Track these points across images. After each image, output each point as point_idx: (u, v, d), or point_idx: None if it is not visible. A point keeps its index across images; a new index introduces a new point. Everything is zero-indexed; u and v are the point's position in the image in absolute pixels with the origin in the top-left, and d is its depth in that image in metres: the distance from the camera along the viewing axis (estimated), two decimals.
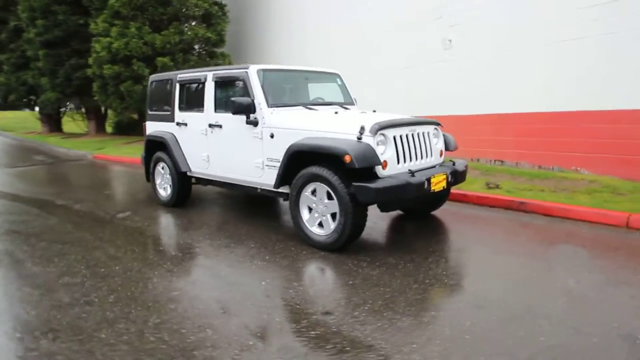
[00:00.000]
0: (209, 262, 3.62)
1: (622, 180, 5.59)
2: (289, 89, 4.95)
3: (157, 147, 5.83)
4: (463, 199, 5.39)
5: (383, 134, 3.73)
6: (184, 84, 5.39)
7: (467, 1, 7.64)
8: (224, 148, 4.84)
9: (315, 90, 5.32)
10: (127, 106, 13.06)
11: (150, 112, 6.05)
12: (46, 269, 3.48)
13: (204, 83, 5.05)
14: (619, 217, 4.21)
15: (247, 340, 2.34)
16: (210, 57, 13.52)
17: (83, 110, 17.80)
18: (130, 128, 18.68)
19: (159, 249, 4.05)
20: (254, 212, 5.48)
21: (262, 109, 4.35)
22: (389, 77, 9.13)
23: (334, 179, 3.63)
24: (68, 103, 17.17)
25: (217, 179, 5.11)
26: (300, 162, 3.99)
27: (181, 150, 5.44)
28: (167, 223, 4.98)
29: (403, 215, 4.94)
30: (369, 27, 9.66)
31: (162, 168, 5.78)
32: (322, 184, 3.77)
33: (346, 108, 5.01)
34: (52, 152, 13.29)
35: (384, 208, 3.81)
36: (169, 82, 5.64)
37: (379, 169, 3.66)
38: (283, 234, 4.37)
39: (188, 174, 5.47)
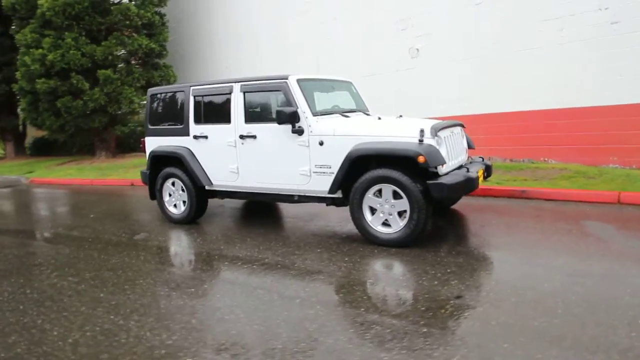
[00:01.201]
0: (293, 271, 3.62)
1: (585, 166, 6.63)
2: (318, 97, 5.09)
3: (167, 163, 5.57)
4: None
5: (438, 136, 4.09)
6: (200, 96, 5.24)
7: (430, 15, 8.41)
8: (259, 159, 4.82)
9: (330, 98, 5.51)
10: (63, 123, 11.87)
11: (151, 127, 5.74)
12: (129, 296, 3.23)
13: (229, 94, 4.99)
14: (610, 195, 5.06)
15: (420, 328, 2.50)
16: (154, 69, 12.89)
17: None
18: (51, 148, 16.93)
19: (227, 264, 3.91)
20: (276, 219, 5.50)
21: (308, 117, 4.46)
22: (356, 84, 9.57)
23: (405, 179, 3.88)
24: None
25: (247, 191, 5.05)
26: (356, 167, 4.19)
27: (199, 164, 5.28)
28: (202, 240, 4.78)
29: None
30: (333, 36, 10.04)
31: (173, 184, 5.53)
32: (388, 185, 4.00)
33: (368, 114, 5.30)
34: None
35: (445, 203, 4.17)
36: (180, 94, 5.44)
37: (439, 168, 4.01)
38: (337, 237, 4.51)
39: (207, 188, 5.33)
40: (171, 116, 5.60)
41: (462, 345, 2.30)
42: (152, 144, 5.73)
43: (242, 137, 4.88)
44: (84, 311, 3.01)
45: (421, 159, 3.78)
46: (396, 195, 4.00)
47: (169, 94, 5.63)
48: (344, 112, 4.89)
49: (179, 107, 5.48)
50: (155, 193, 5.71)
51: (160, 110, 5.73)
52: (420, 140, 3.94)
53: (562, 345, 2.25)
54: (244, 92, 4.88)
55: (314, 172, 4.50)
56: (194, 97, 5.29)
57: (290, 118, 4.43)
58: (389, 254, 3.88)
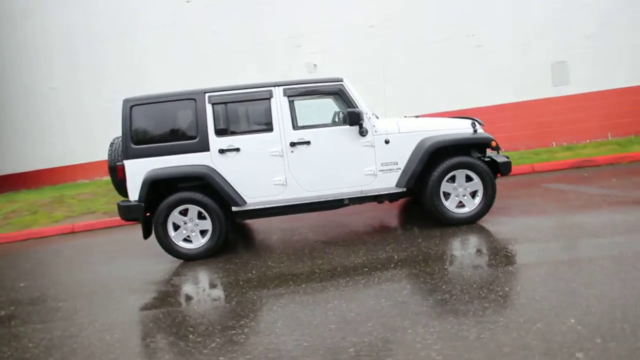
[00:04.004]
0: (457, 252, 3.78)
1: None
2: None
3: (171, 188, 4.51)
4: None
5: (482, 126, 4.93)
6: (222, 104, 4.52)
7: (325, 33, 9.21)
8: (315, 165, 4.56)
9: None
10: None
11: (135, 147, 4.51)
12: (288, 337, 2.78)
13: (267, 99, 4.52)
14: (526, 168, 7.01)
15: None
16: None
17: None
18: None
19: (378, 269, 3.65)
20: (298, 229, 5.23)
21: (370, 118, 4.58)
22: None
23: (479, 162, 4.54)
24: None
25: (295, 203, 4.65)
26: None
27: (227, 181, 4.52)
28: (288, 262, 4.15)
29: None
30: (214, 53, 9.60)
31: (183, 213, 4.52)
32: (463, 170, 4.56)
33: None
34: None
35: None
36: (187, 103, 4.52)
37: (487, 151, 4.84)
38: (406, 226, 4.82)
39: (234, 209, 4.62)
40: (174, 130, 4.60)
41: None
42: (141, 167, 4.50)
43: (292, 144, 4.51)
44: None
45: (494, 144, 4.55)
46: (468, 178, 4.61)
47: (165, 104, 4.58)
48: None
49: (187, 118, 4.55)
50: (156, 228, 4.51)
51: (150, 125, 4.58)
52: (475, 130, 4.70)
53: None
54: (289, 97, 4.55)
55: (380, 171, 4.63)
56: (213, 105, 4.52)
57: (357, 119, 4.45)
58: (473, 228, 4.46)
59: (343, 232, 5.05)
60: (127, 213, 4.58)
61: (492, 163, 4.67)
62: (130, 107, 4.56)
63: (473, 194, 4.64)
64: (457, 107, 8.83)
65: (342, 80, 4.60)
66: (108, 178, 11.52)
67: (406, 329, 2.56)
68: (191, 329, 2.95)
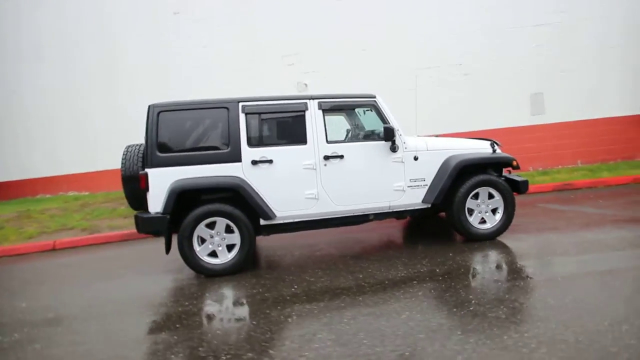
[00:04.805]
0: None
1: None
2: None
3: (198, 200, 4.30)
4: None
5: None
6: (256, 114, 4.42)
7: (317, 54, 9.34)
8: (348, 179, 4.55)
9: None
10: None
11: (161, 155, 4.27)
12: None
13: (302, 112, 4.49)
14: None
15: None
16: None
17: None
18: None
19: (427, 282, 3.66)
20: (319, 245, 5.15)
21: (402, 134, 4.68)
22: None
23: (501, 181, 4.76)
24: None
25: (323, 217, 4.59)
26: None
27: (258, 194, 4.38)
28: (331, 278, 4.06)
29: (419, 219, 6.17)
30: (201, 67, 9.41)
31: (210, 226, 4.31)
32: (486, 188, 4.75)
33: None
34: None
35: None
36: (220, 112, 4.37)
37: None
38: (429, 242, 4.88)
39: (263, 223, 4.47)
40: (203, 139, 4.43)
41: None
42: (167, 176, 4.26)
43: (327, 157, 4.48)
44: None
45: (515, 163, 4.81)
46: (490, 196, 4.80)
47: (195, 111, 4.40)
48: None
49: (218, 127, 4.40)
50: (181, 242, 4.23)
51: (178, 132, 4.37)
52: (494, 150, 4.95)
53: None
54: (323, 110, 4.54)
55: (408, 187, 4.71)
56: (247, 114, 4.41)
57: (392, 135, 4.54)
58: (497, 243, 4.64)
59: (365, 247, 5.03)
60: (148, 225, 4.28)
61: (511, 181, 4.94)
62: (158, 113, 4.33)
63: (493, 211, 4.86)
64: (441, 131, 9.23)
65: (375, 97, 4.69)
66: (74, 193, 10.87)
67: (500, 336, 2.60)
68: (265, 344, 2.79)
